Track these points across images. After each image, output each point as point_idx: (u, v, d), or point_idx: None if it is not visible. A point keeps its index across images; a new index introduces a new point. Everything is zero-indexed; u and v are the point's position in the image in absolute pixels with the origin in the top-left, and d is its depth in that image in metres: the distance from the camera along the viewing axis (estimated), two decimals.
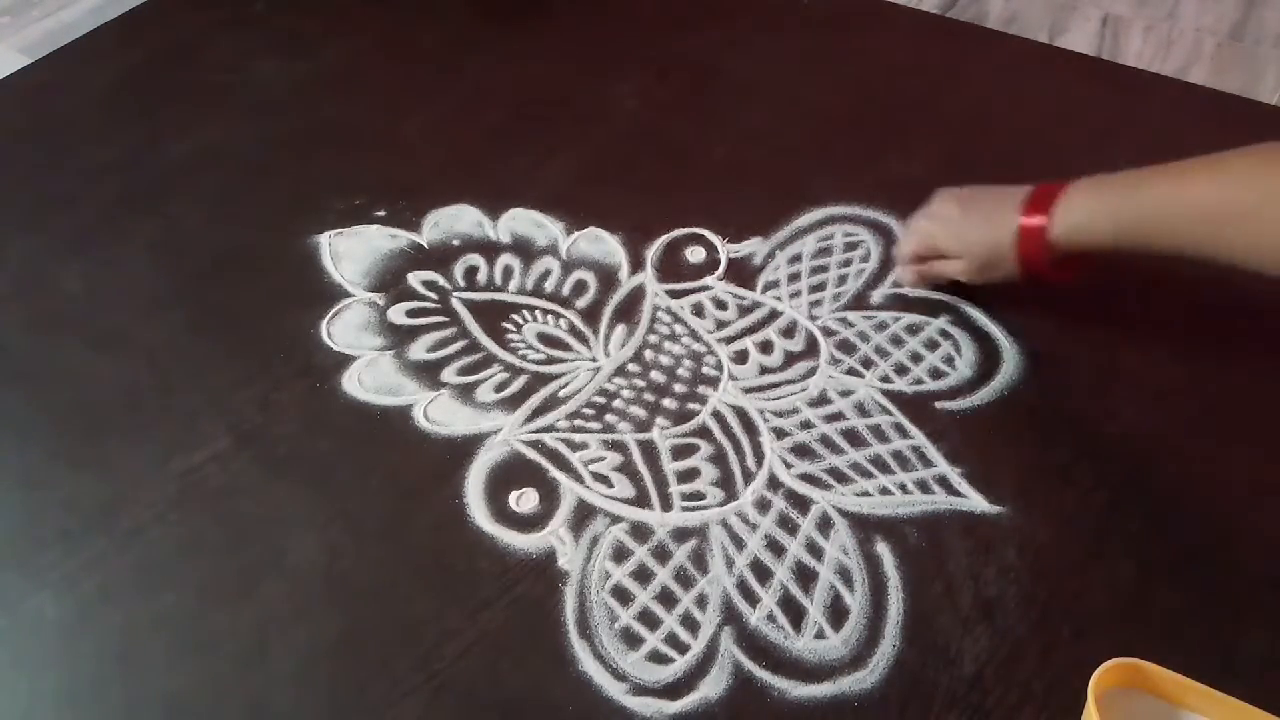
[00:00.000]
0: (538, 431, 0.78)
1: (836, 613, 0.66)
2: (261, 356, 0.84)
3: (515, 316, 0.86)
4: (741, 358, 0.82)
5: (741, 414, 0.78)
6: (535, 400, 0.80)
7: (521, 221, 0.94)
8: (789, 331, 0.84)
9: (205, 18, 1.23)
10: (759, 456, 0.75)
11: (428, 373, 0.82)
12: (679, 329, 0.84)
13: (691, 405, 0.79)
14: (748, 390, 0.80)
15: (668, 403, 0.79)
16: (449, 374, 0.82)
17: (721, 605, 0.67)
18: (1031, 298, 0.84)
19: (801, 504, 0.72)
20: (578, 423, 0.78)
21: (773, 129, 1.03)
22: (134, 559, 0.72)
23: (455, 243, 0.93)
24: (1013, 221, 0.72)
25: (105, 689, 0.66)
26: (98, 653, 0.67)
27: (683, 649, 0.65)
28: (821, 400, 0.79)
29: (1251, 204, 0.61)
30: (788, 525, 0.71)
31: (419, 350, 0.84)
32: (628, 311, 0.86)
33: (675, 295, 0.87)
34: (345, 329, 0.86)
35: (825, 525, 0.71)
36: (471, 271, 0.90)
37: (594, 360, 0.82)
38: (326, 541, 0.72)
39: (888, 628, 0.65)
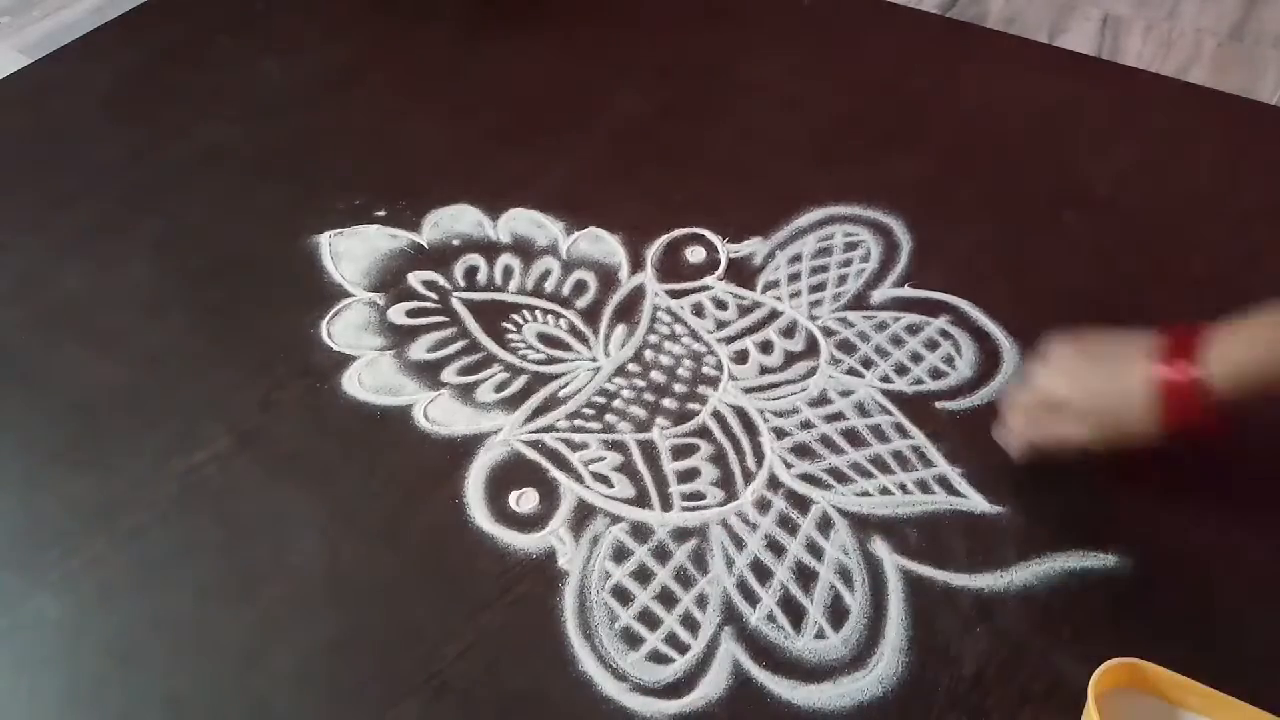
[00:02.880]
0: (538, 431, 0.78)
1: (836, 613, 0.66)
2: (261, 356, 0.84)
3: (515, 316, 0.86)
4: (741, 358, 0.82)
5: (741, 414, 0.78)
6: (535, 400, 0.80)
7: (521, 221, 0.94)
8: (789, 331, 0.84)
9: (205, 18, 1.23)
10: (759, 456, 0.75)
11: (428, 373, 0.82)
12: (679, 329, 0.84)
13: (691, 405, 0.79)
14: (748, 390, 0.80)
15: (668, 403, 0.79)
16: (449, 374, 0.82)
17: (721, 605, 0.67)
18: (1032, 298, 0.85)
19: (801, 504, 0.72)
20: (578, 423, 0.78)
21: (773, 129, 1.03)
22: (134, 559, 0.72)
23: (455, 243, 0.93)
24: (1146, 373, 0.63)
25: (105, 689, 0.66)
26: (98, 653, 0.67)
27: (683, 649, 0.65)
28: (821, 400, 0.79)
29: None
30: (788, 525, 0.71)
31: (419, 350, 0.84)
32: (628, 311, 0.86)
33: (675, 295, 0.87)
34: (345, 329, 0.86)
35: (825, 525, 0.71)
36: (471, 271, 0.90)
37: (594, 360, 0.82)
38: (326, 542, 0.72)
39: (888, 628, 0.65)
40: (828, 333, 0.83)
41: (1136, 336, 0.65)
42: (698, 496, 0.73)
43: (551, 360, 0.82)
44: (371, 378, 0.82)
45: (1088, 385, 0.66)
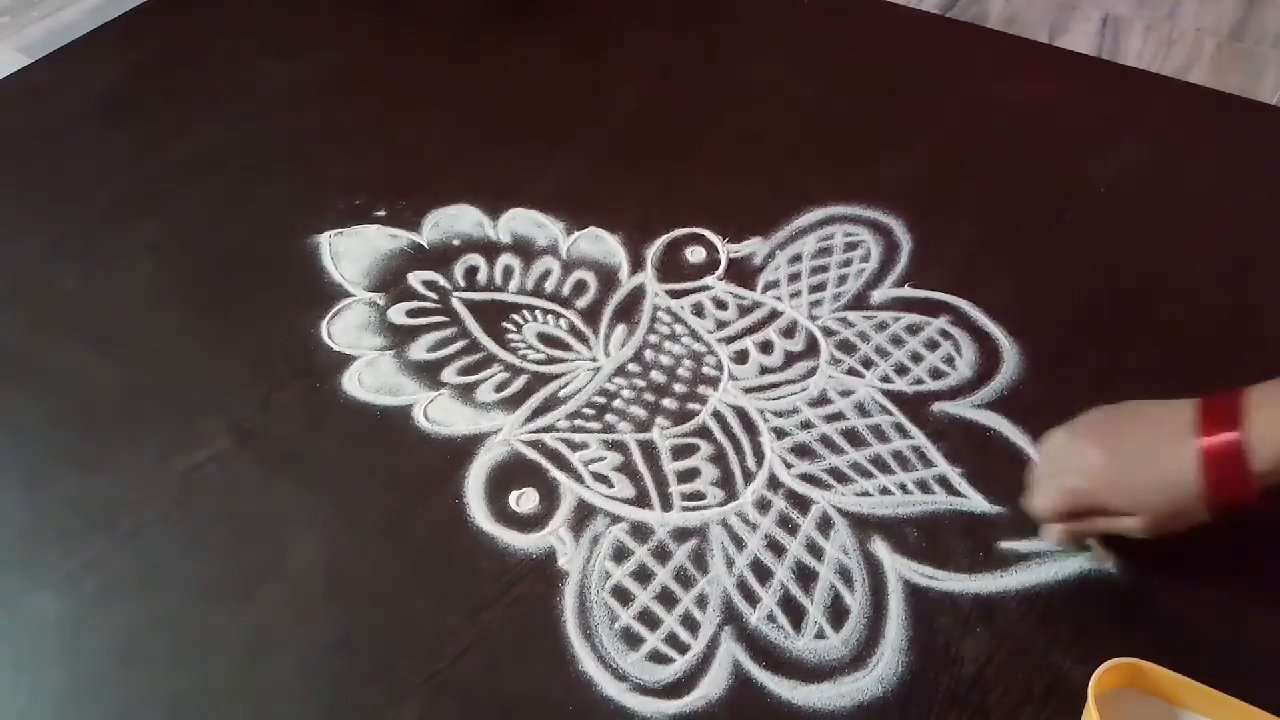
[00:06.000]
0: (538, 431, 0.78)
1: (836, 613, 0.66)
2: (261, 356, 0.84)
3: (515, 316, 0.86)
4: (742, 358, 0.82)
5: (742, 414, 0.78)
6: (535, 400, 0.80)
7: (521, 221, 0.94)
8: (789, 331, 0.84)
9: (205, 18, 1.23)
10: (759, 456, 0.75)
11: (428, 373, 0.82)
12: (679, 329, 0.84)
13: (691, 405, 0.79)
14: (748, 390, 0.80)
15: (668, 403, 0.79)
16: (449, 374, 0.82)
17: (721, 605, 0.67)
18: (1032, 298, 0.85)
19: (801, 504, 0.72)
20: (578, 423, 0.78)
21: (773, 129, 1.03)
22: (135, 559, 0.72)
23: (455, 243, 0.93)
24: (1188, 450, 0.57)
25: (106, 689, 0.66)
26: (99, 652, 0.67)
27: (683, 649, 0.65)
28: (822, 400, 0.79)
29: None
30: (788, 525, 0.71)
31: (419, 350, 0.84)
32: (628, 311, 0.86)
33: (675, 295, 0.87)
34: (345, 329, 0.86)
35: (825, 525, 0.71)
36: (471, 271, 0.90)
37: (594, 360, 0.82)
38: (326, 541, 0.72)
39: (888, 628, 0.65)
40: (828, 333, 0.83)
41: (1166, 410, 0.60)
42: (698, 496, 0.73)
43: (551, 360, 0.83)
44: (371, 378, 0.82)
45: (1126, 486, 0.61)
